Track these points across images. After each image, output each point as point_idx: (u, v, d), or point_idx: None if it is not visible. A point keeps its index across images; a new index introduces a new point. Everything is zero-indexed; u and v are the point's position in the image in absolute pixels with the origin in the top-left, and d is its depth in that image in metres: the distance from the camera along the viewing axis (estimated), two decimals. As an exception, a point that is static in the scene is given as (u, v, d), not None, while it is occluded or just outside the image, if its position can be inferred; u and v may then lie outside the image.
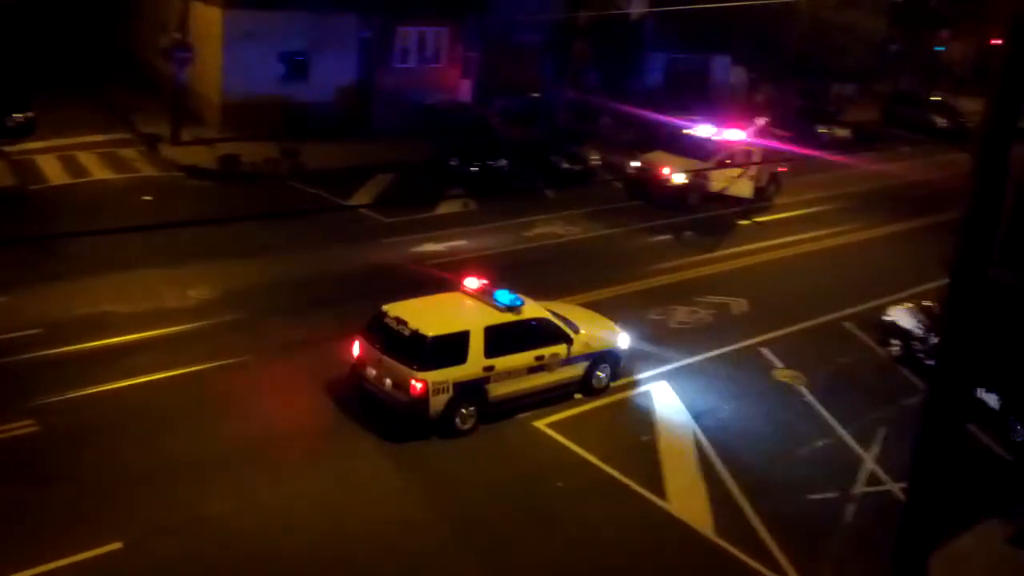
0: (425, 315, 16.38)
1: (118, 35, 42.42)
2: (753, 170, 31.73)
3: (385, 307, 16.72)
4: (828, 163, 37.93)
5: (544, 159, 33.07)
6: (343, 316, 20.23)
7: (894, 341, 21.22)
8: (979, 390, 17.51)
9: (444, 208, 28.55)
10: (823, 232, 30.26)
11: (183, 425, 15.74)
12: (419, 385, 15.53)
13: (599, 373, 18.18)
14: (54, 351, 17.54)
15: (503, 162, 31.24)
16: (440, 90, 37.88)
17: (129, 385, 16.76)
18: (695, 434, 17.13)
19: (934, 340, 18.26)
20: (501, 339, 16.44)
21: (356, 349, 16.79)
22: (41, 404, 15.78)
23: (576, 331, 17.78)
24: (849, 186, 36.38)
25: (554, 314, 17.87)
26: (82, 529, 12.89)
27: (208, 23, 33.09)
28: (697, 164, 31.01)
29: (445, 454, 15.81)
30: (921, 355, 20.10)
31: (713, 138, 32.55)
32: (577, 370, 17.82)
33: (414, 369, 15.59)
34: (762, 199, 32.46)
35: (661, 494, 15.18)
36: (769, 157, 32.89)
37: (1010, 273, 13.95)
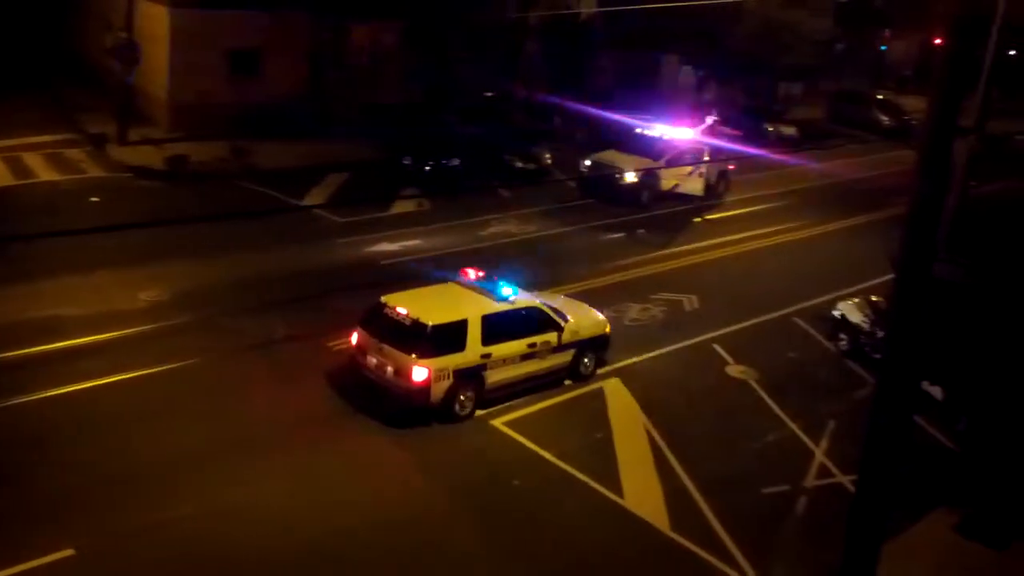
0: (424, 304, 16.93)
1: (64, 34, 41.70)
2: (703, 168, 32.08)
3: (384, 298, 17.25)
4: (776, 161, 38.44)
5: (498, 158, 33.15)
6: (296, 317, 20.21)
7: (842, 336, 21.61)
8: (925, 383, 17.89)
9: (398, 208, 28.49)
10: (772, 229, 30.70)
11: (137, 428, 15.56)
12: (421, 372, 16.04)
13: (585, 360, 18.82)
14: (2, 356, 17.22)
15: (456, 161, 31.27)
16: (393, 89, 37.77)
17: (80, 389, 16.51)
18: (649, 430, 17.31)
19: (881, 334, 18.64)
20: (497, 327, 17.07)
21: (354, 339, 17.26)
22: (-11, 410, 15.51)
23: (565, 320, 18.38)
24: (797, 183, 36.94)
25: (544, 304, 18.49)
26: (32, 536, 12.68)
27: (155, 22, 32.70)
28: (648, 162, 31.33)
29: (401, 454, 15.82)
30: (869, 349, 20.50)
31: (663, 137, 32.90)
32: (566, 357, 18.45)
33: (416, 357, 16.08)
34: (713, 197, 32.86)
35: (617, 490, 15.32)
36: (718, 155, 33.28)
37: (954, 268, 14.28)
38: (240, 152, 30.27)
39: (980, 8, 9.54)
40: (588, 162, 32.53)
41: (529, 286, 22.08)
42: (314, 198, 28.59)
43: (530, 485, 15.32)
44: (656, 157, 31.86)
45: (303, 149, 32.98)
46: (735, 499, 15.41)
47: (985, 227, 16.57)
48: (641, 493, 15.32)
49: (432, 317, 16.46)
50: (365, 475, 15.10)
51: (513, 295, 17.69)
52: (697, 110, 40.34)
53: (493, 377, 17.18)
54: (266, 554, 13.02)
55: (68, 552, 12.49)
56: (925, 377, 17.82)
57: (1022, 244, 15.96)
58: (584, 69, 44.14)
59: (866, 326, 20.81)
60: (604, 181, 31.39)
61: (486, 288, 17.78)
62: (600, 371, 19.22)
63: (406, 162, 30.94)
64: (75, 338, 18.26)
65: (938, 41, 9.79)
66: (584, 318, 19.22)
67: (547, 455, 16.10)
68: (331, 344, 19.16)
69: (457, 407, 16.72)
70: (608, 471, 15.81)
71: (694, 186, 32.05)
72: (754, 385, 19.67)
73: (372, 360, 16.83)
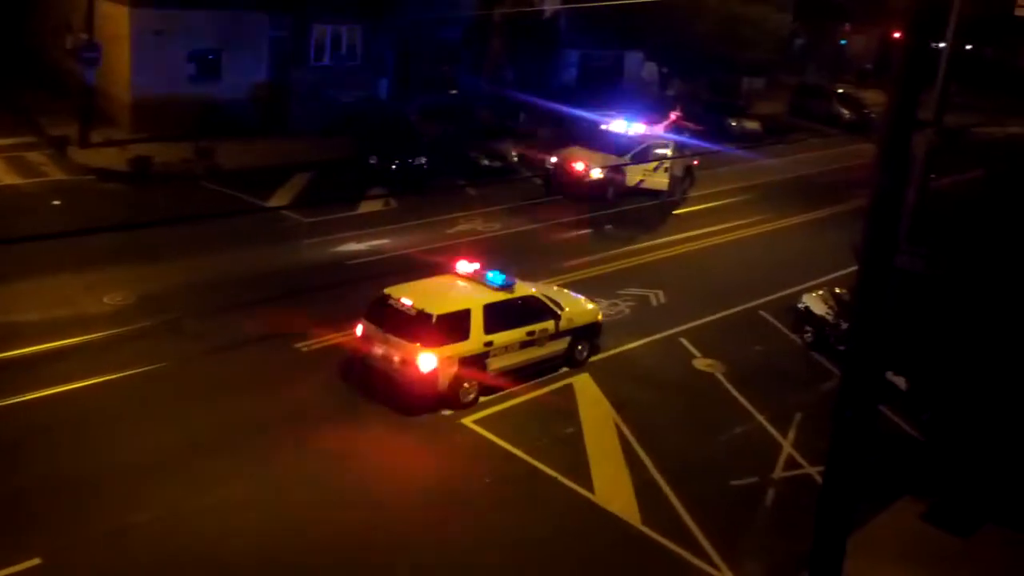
0: (428, 295, 17.47)
1: (23, 36, 41.08)
2: (668, 163, 32.28)
3: (387, 290, 17.77)
4: (739, 155, 38.71)
5: (464, 156, 33.16)
6: (264, 318, 20.09)
7: (808, 328, 21.85)
8: (889, 373, 18.12)
9: (365, 207, 28.40)
10: (736, 223, 30.95)
11: (104, 433, 15.42)
12: (429, 361, 16.52)
13: (579, 347, 19.42)
14: (-36, 363, 17.05)
15: (423, 160, 31.22)
16: (357, 88, 37.64)
17: (45, 395, 16.32)
18: (618, 425, 17.42)
19: (845, 326, 18.86)
20: (497, 316, 17.62)
21: (359, 330, 17.66)
22: (-48, 418, 15.32)
23: (561, 308, 18.93)
24: (759, 177, 37.25)
25: (540, 293, 19.12)
26: (-2, 545, 12.57)
27: (115, 22, 32.32)
28: (614, 159, 31.47)
29: (371, 455, 15.80)
30: (833, 341, 20.73)
31: (628, 133, 33.07)
32: (562, 344, 19.00)
33: (422, 346, 16.52)
34: (678, 192, 33.00)
35: (588, 485, 15.41)
36: (682, 151, 33.49)
37: (915, 259, 14.49)
38: (204, 152, 30.02)
39: (937, 3, 9.65)
40: (554, 159, 32.62)
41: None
42: (280, 198, 28.44)
43: (501, 482, 15.36)
44: (621, 153, 32.04)
45: (267, 149, 32.78)
46: (704, 492, 15.56)
47: (945, 219, 16.83)
48: (611, 488, 15.43)
49: (437, 307, 16.97)
50: (333, 477, 15.05)
51: (511, 284, 18.26)
52: (661, 106, 40.60)
53: (495, 364, 17.73)
54: (231, 558, 12.97)
55: (35, 561, 12.35)
56: (889, 367, 18.06)
57: (981, 235, 16.24)
58: (549, 66, 44.22)
59: (830, 318, 21.05)
60: (570, 177, 31.49)
61: (485, 278, 18.33)
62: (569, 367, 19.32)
63: (372, 161, 30.84)
64: (39, 344, 18.03)
65: (897, 35, 9.89)
66: (577, 306, 19.78)
67: (518, 452, 16.15)
68: (299, 345, 19.09)
69: (462, 394, 17.21)
70: (578, 466, 15.90)
71: (659, 181, 32.23)
72: (721, 378, 19.85)
73: (378, 351, 17.21)
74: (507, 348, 17.86)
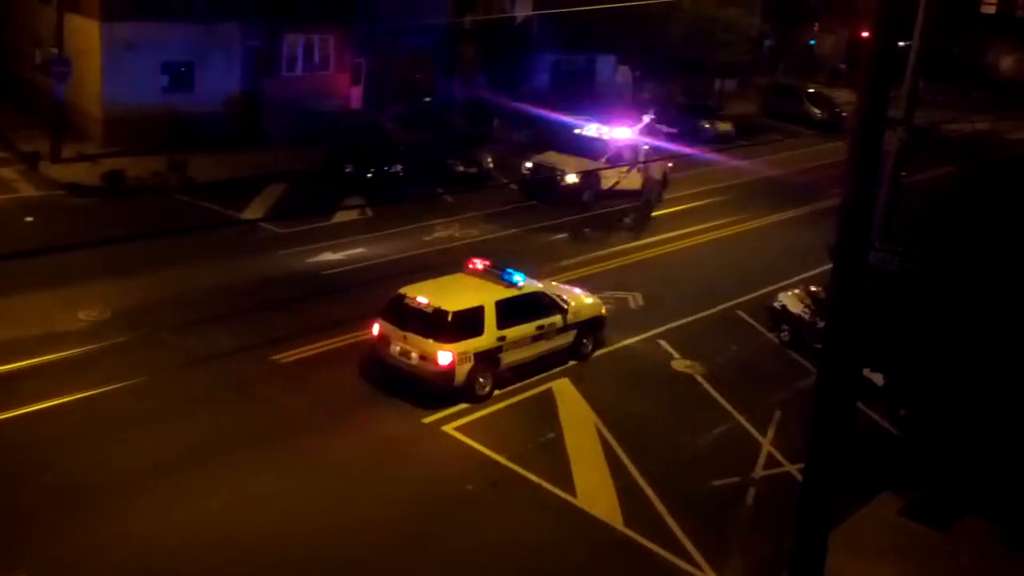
0: (442, 294, 18.04)
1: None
2: (635, 159, 32.58)
3: (402, 289, 18.29)
4: (713, 157, 38.94)
5: (439, 163, 33.16)
6: (240, 330, 20.02)
7: (784, 327, 21.98)
8: (866, 370, 18.24)
9: (341, 216, 28.33)
10: (712, 224, 31.11)
11: (83, 450, 15.31)
12: (446, 356, 17.12)
13: (584, 340, 20.05)
14: (-62, 382, 16.88)
15: (398, 167, 31.19)
16: (330, 97, 37.59)
17: (22, 414, 16.17)
18: (599, 428, 17.46)
19: (821, 324, 18.98)
20: (509, 312, 18.26)
21: (375, 329, 18.21)
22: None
23: (566, 303, 19.57)
24: (734, 178, 37.46)
25: (547, 289, 19.90)
26: (-20, 565, 12.47)
27: (86, 36, 32.16)
28: (588, 162, 31.58)
29: (352, 464, 15.76)
30: (810, 339, 20.85)
31: (602, 136, 33.21)
32: (569, 338, 19.66)
33: (440, 342, 17.15)
34: (656, 194, 33.04)
35: (570, 490, 15.44)
36: (656, 154, 33.66)
37: (889, 257, 14.59)
38: (177, 165, 29.85)
39: (904, 2, 9.74)
40: (529, 164, 32.69)
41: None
42: (254, 209, 28.33)
43: (483, 489, 15.37)
44: (596, 157, 32.15)
45: (241, 160, 32.64)
46: (686, 492, 15.64)
47: (918, 215, 16.95)
48: (594, 491, 15.46)
49: (452, 304, 17.57)
50: (316, 488, 15.02)
51: (521, 281, 18.84)
52: (634, 109, 40.74)
53: (508, 358, 18.39)
54: (212, 570, 12.90)
55: (18, 578, 12.29)
56: (866, 364, 18.17)
57: (953, 231, 16.37)
58: (523, 71, 44.28)
59: (806, 316, 21.18)
60: (545, 182, 31.59)
61: (495, 275, 18.90)
62: (549, 371, 19.33)
63: (348, 170, 30.78)
64: (15, 362, 17.86)
65: (865, 35, 9.98)
66: (581, 301, 20.42)
67: (499, 458, 16.16)
68: (277, 357, 19.03)
69: (477, 388, 17.80)
70: (560, 471, 15.93)
71: (633, 182, 32.44)
72: (700, 379, 19.94)
73: (396, 348, 17.79)
74: (519, 342, 18.50)
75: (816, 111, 50.69)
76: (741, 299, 24.33)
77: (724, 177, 37.45)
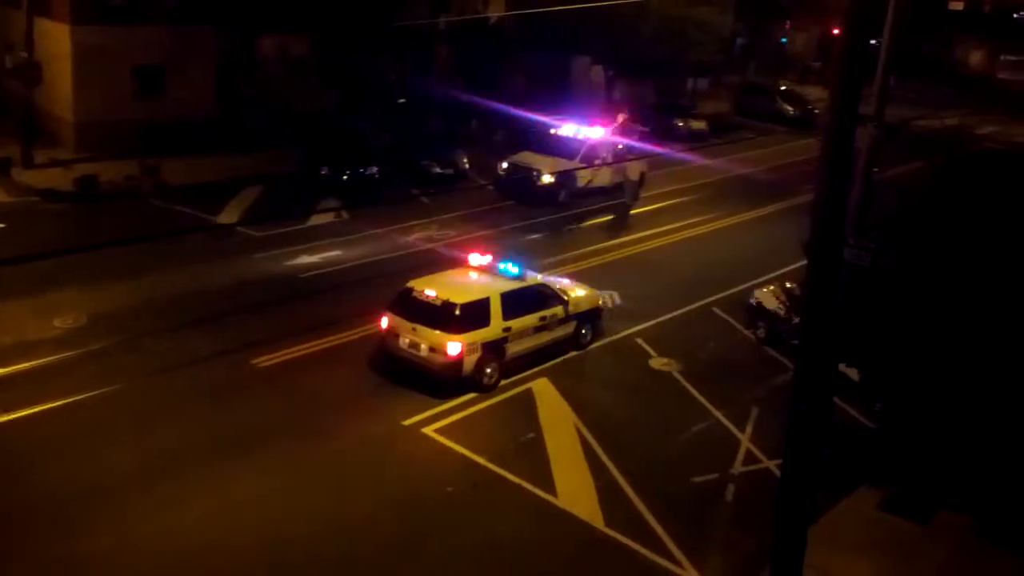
0: (450, 287, 18.64)
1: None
2: (610, 159, 32.80)
3: (410, 283, 18.87)
4: (687, 156, 39.14)
5: (415, 164, 33.12)
6: (218, 335, 19.92)
7: (760, 323, 22.12)
8: (842, 365, 18.37)
9: (317, 219, 28.23)
10: (687, 222, 31.25)
11: (57, 460, 15.18)
12: (455, 346, 17.66)
13: (583, 331, 20.67)
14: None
15: (374, 169, 31.14)
16: (306, 99, 37.45)
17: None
18: (579, 428, 17.51)
19: (797, 320, 19.10)
20: (513, 303, 18.86)
21: (384, 323, 18.70)
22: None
23: (567, 294, 20.27)
24: (708, 176, 37.65)
25: (548, 281, 20.72)
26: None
27: (56, 40, 31.90)
28: (564, 162, 31.70)
29: (333, 468, 15.73)
30: (786, 335, 20.98)
31: (577, 136, 33.35)
32: (569, 328, 20.29)
33: (449, 333, 17.68)
34: (631, 196, 33.18)
35: (551, 490, 15.47)
36: (630, 154, 33.84)
37: (862, 253, 14.71)
38: (151, 169, 29.65)
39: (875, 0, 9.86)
40: (505, 164, 32.76)
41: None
42: (229, 212, 28.21)
43: (464, 491, 15.37)
44: (571, 156, 32.30)
45: (215, 163, 32.47)
46: (666, 490, 15.71)
47: (890, 211, 17.09)
48: (574, 491, 15.51)
49: (460, 297, 18.17)
50: (297, 492, 14.98)
51: (523, 274, 19.48)
52: (608, 109, 40.90)
53: (513, 348, 18.95)
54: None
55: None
56: (842, 360, 18.30)
57: (926, 226, 16.53)
58: (498, 72, 44.31)
59: (782, 312, 21.27)
60: (522, 182, 31.67)
61: (498, 269, 19.53)
62: (528, 372, 19.38)
63: (323, 172, 30.71)
64: (-11, 370, 17.74)
65: (836, 32, 10.07)
66: (580, 293, 20.99)
67: (480, 459, 16.18)
68: (255, 361, 18.96)
69: (485, 378, 18.33)
70: (541, 471, 15.96)
71: (604, 178, 32.69)
72: (678, 376, 20.04)
73: (405, 340, 18.31)
74: (523, 333, 19.09)
75: (788, 108, 51.05)
76: (717, 296, 24.46)
77: (698, 175, 37.64)
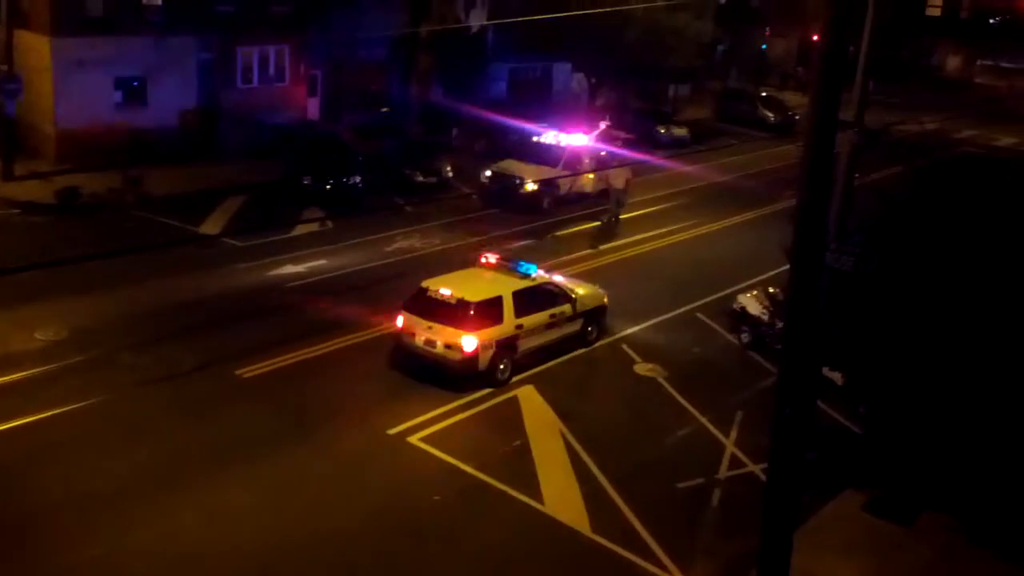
0: (463, 285, 19.21)
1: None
2: (593, 165, 32.90)
3: (424, 283, 19.41)
4: (670, 161, 39.30)
5: (398, 173, 33.11)
6: (201, 346, 19.85)
7: (744, 328, 22.22)
8: (825, 369, 18.47)
9: (301, 229, 28.18)
10: (670, 228, 31.36)
11: (42, 473, 15.09)
12: (471, 343, 18.20)
13: (589, 328, 21.28)
14: None
15: (357, 179, 31.11)
16: (287, 109, 37.42)
17: (-20, 436, 15.95)
18: (564, 434, 17.54)
19: (780, 325, 19.19)
20: (525, 301, 19.48)
21: (400, 322, 19.24)
22: None
23: (575, 293, 20.88)
24: (690, 182, 37.79)
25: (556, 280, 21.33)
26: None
27: (36, 52, 31.77)
28: (547, 169, 31.78)
29: (319, 478, 15.69)
30: (770, 340, 21.09)
31: (560, 143, 33.46)
32: (577, 326, 20.90)
33: (464, 330, 18.22)
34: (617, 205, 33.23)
35: (537, 497, 15.48)
36: (613, 161, 33.96)
37: (844, 257, 14.82)
38: (134, 181, 29.53)
39: (853, 7, 9.92)
40: (488, 172, 32.82)
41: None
42: (212, 223, 28.13)
43: (450, 499, 15.37)
44: (554, 164, 32.41)
45: (198, 174, 32.38)
46: (652, 496, 15.75)
47: (871, 216, 17.22)
48: (561, 497, 15.52)
49: (474, 295, 18.77)
50: (283, 503, 14.93)
51: (533, 272, 20.07)
52: (590, 116, 41.04)
53: (524, 345, 19.55)
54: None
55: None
56: (825, 364, 18.39)
57: (908, 230, 16.65)
58: (480, 80, 44.39)
59: (765, 318, 21.42)
60: (505, 190, 31.73)
61: (509, 268, 20.15)
62: (514, 379, 19.40)
63: (306, 182, 30.67)
64: (-30, 384, 17.61)
65: (816, 38, 10.14)
66: (586, 291, 21.58)
67: (466, 467, 16.17)
68: (239, 372, 18.90)
69: (499, 373, 18.92)
70: (527, 478, 15.97)
71: (586, 184, 32.80)
72: (663, 382, 20.10)
73: (421, 338, 18.86)
74: (534, 330, 19.67)
75: (769, 115, 51.32)
76: (701, 302, 24.56)
77: (681, 181, 37.78)
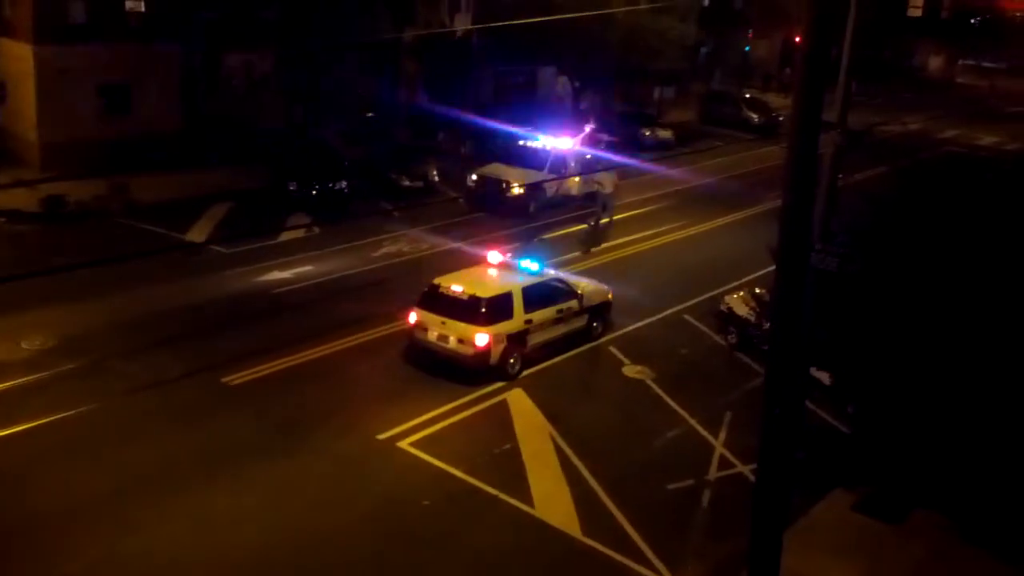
0: (474, 283, 19.77)
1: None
2: (578, 169, 33.00)
3: (436, 280, 19.98)
4: (655, 164, 39.39)
5: (384, 178, 33.11)
6: (189, 353, 19.80)
7: (731, 329, 22.29)
8: (813, 369, 18.54)
9: (287, 234, 28.13)
10: (656, 230, 31.42)
11: (30, 483, 15.03)
12: (483, 338, 18.78)
13: (594, 324, 21.81)
14: None
15: (343, 184, 31.09)
16: (273, 115, 37.35)
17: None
18: (554, 437, 17.56)
19: (767, 326, 19.26)
20: (533, 297, 20.05)
21: (412, 318, 19.78)
22: None
23: (580, 289, 21.38)
24: (676, 184, 37.85)
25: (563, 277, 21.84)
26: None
27: (19, 60, 31.67)
28: (533, 173, 31.84)
29: (307, 485, 15.67)
30: (757, 341, 21.17)
31: (545, 147, 33.53)
32: (583, 321, 21.43)
33: (477, 326, 18.82)
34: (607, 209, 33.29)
35: (527, 500, 15.50)
36: (598, 165, 34.06)
37: (829, 258, 14.89)
38: (119, 188, 29.43)
39: (835, 8, 9.97)
40: (474, 176, 32.84)
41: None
42: (199, 230, 28.06)
43: (440, 504, 15.37)
44: (539, 167, 32.47)
45: (184, 180, 32.28)
46: (643, 497, 15.78)
47: (856, 216, 17.31)
48: (551, 501, 15.54)
49: (485, 292, 19.36)
50: (273, 509, 14.90)
51: (541, 269, 20.74)
52: (575, 119, 41.11)
53: (533, 340, 20.08)
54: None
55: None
56: (813, 364, 18.47)
57: (893, 229, 16.75)
58: (465, 84, 44.43)
59: (752, 318, 21.51)
60: (491, 194, 31.75)
61: (517, 265, 20.76)
62: (502, 383, 19.41)
63: (292, 187, 30.63)
64: (-44, 394, 17.52)
65: (798, 39, 10.19)
66: (591, 287, 22.08)
67: (455, 472, 16.18)
68: (227, 379, 18.85)
69: (509, 367, 19.43)
70: (517, 482, 15.99)
71: (572, 187, 32.86)
72: (651, 384, 20.15)
73: (434, 334, 19.43)
74: (542, 325, 20.19)
75: (753, 116, 51.54)
76: (688, 303, 24.63)
77: (666, 183, 37.86)
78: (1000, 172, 19.56)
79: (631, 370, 20.72)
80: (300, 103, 39.01)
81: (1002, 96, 70.93)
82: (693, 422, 18.58)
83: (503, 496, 15.54)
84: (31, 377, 18.44)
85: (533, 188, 31.55)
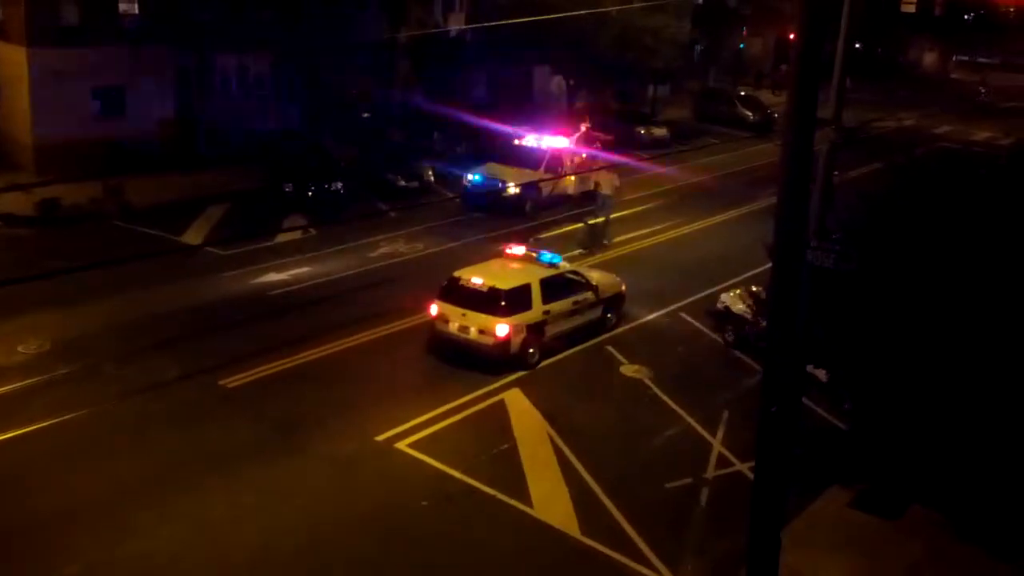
0: (494, 275, 20.30)
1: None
2: (574, 168, 32.98)
3: (456, 273, 20.52)
4: (650, 161, 39.38)
5: (380, 178, 33.10)
6: (186, 356, 19.79)
7: (728, 327, 22.30)
8: (809, 366, 18.56)
9: (284, 236, 28.13)
10: (652, 229, 31.44)
11: (27, 487, 15.02)
12: (503, 328, 19.31)
13: (608, 315, 22.37)
14: None
15: (339, 185, 31.08)
16: (268, 116, 37.34)
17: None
18: (552, 436, 17.57)
19: (764, 323, 19.27)
20: (551, 289, 20.56)
21: (434, 310, 20.25)
22: None
23: (595, 281, 21.91)
24: (671, 182, 37.88)
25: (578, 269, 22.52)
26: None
27: (12, 63, 31.64)
28: (528, 172, 31.85)
29: (306, 486, 15.67)
30: (753, 338, 21.18)
31: (541, 146, 33.54)
32: (597, 312, 21.98)
33: (497, 317, 19.34)
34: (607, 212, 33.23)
35: (526, 500, 15.50)
36: (594, 164, 34.06)
37: (824, 255, 14.89)
38: (114, 191, 29.40)
39: (828, 5, 9.98)
40: (471, 176, 32.84)
41: (419, 302, 22.13)
42: (194, 232, 28.04)
43: (439, 504, 15.36)
44: (535, 166, 32.48)
45: (179, 183, 32.27)
46: (641, 496, 15.79)
47: (852, 212, 17.32)
48: (549, 500, 15.54)
49: (505, 284, 19.91)
50: (271, 512, 14.91)
51: (558, 262, 21.26)
52: (571, 118, 41.12)
53: (551, 331, 20.60)
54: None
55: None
56: (809, 361, 18.48)
57: (889, 226, 16.76)
58: (460, 84, 44.43)
59: (749, 316, 21.52)
60: (488, 194, 31.75)
61: (535, 257, 21.27)
62: (499, 383, 19.42)
63: (287, 189, 30.62)
64: (-47, 399, 17.50)
65: (792, 37, 10.20)
66: (605, 279, 22.66)
67: (454, 472, 16.18)
68: (224, 381, 18.84)
69: (528, 357, 19.98)
70: (515, 482, 15.99)
71: (567, 186, 32.87)
72: (649, 383, 20.16)
73: (455, 325, 19.93)
74: (560, 316, 20.74)
75: (748, 113, 51.58)
76: (685, 301, 24.64)
77: (662, 182, 37.88)
78: (994, 167, 19.56)
79: (628, 369, 20.73)
80: (295, 104, 38.99)
81: (996, 91, 70.91)
82: (691, 420, 18.59)
83: (501, 496, 15.54)
84: (27, 381, 18.43)
85: (529, 187, 31.56)
